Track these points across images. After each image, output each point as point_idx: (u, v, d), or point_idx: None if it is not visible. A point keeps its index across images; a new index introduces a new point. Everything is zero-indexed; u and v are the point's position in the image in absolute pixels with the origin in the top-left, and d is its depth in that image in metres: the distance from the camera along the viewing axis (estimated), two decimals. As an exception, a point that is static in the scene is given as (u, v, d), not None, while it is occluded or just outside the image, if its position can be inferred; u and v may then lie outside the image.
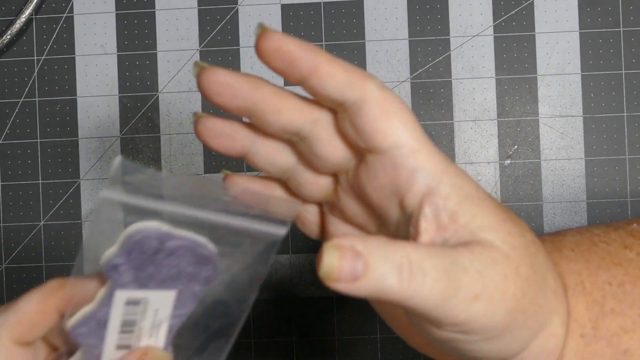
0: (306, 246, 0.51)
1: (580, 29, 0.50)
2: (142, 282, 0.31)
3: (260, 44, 0.29)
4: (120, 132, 0.51)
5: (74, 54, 0.52)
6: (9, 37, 0.51)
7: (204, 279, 0.32)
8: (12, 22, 0.51)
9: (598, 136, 0.50)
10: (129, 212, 0.29)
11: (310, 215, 0.36)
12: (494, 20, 0.50)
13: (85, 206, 0.51)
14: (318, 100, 0.31)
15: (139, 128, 0.51)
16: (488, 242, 0.30)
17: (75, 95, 0.52)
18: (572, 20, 0.50)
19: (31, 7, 0.51)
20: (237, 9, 0.51)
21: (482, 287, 0.29)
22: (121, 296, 0.31)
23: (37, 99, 0.52)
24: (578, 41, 0.50)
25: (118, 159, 0.29)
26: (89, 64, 0.51)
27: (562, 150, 0.50)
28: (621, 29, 0.50)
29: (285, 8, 0.51)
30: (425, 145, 0.31)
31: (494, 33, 0.50)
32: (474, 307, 0.29)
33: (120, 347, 0.33)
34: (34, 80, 0.52)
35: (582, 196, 0.50)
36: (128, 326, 0.32)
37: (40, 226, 0.51)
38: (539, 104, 0.50)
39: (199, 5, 0.51)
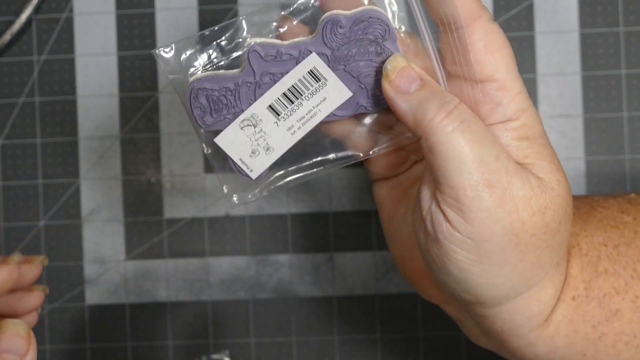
0: (306, 246, 0.51)
1: (580, 29, 0.50)
2: (334, 61, 0.32)
3: None
4: (120, 132, 0.51)
5: (74, 54, 0.52)
6: (9, 37, 0.51)
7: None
8: (12, 22, 0.51)
9: (598, 136, 0.50)
10: None
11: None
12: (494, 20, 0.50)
13: (85, 206, 0.51)
14: (431, 10, 0.33)
15: (139, 128, 0.51)
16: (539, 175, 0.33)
17: (75, 95, 0.52)
18: (572, 20, 0.50)
19: (31, 7, 0.51)
20: (237, 9, 0.51)
21: (503, 191, 0.31)
22: (313, 60, 0.32)
23: (37, 98, 0.52)
24: (578, 41, 0.50)
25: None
26: (89, 64, 0.51)
27: (562, 150, 0.50)
28: (621, 29, 0.50)
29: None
30: (515, 85, 0.33)
31: (494, 33, 0.50)
32: (483, 193, 0.31)
33: (270, 108, 0.33)
34: (34, 80, 0.52)
35: (582, 196, 0.50)
36: (293, 93, 0.33)
37: (41, 226, 0.51)
38: (539, 104, 0.50)
39: (199, 5, 0.51)
